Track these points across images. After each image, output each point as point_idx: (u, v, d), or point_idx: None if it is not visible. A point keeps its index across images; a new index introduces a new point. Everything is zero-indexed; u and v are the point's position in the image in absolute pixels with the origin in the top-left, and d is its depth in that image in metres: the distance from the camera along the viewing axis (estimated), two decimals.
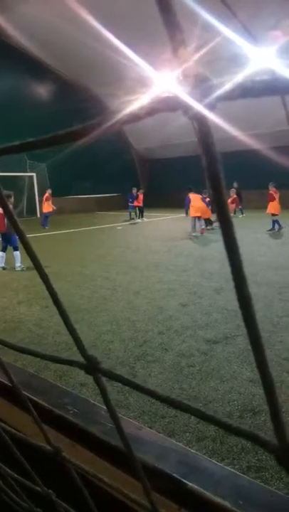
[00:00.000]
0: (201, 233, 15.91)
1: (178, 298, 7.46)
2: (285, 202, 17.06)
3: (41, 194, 22.88)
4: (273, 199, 15.91)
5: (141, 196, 22.82)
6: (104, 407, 0.87)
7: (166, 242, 14.32)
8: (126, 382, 0.34)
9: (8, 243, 10.46)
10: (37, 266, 0.34)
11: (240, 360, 4.84)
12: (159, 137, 28.82)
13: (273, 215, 15.92)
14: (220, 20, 15.56)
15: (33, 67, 26.60)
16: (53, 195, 21.38)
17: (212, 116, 0.22)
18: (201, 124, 0.22)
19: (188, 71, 0.23)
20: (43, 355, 0.42)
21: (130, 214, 24.00)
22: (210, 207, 17.90)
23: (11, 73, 25.65)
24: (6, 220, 9.93)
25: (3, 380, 0.98)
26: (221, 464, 0.73)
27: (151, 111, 0.25)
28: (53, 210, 20.56)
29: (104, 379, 0.37)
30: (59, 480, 0.64)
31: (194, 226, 16.08)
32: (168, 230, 18.01)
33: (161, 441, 0.78)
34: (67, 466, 0.53)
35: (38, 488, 0.58)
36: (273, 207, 15.89)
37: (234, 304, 6.03)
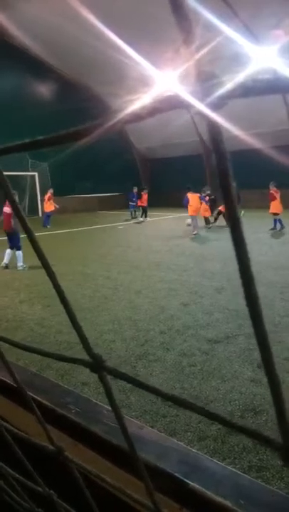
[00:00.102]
0: (195, 233, 16.07)
1: (179, 297, 7.46)
2: (286, 201, 17.06)
3: (43, 193, 22.91)
4: (274, 198, 15.94)
5: (145, 196, 22.81)
6: (107, 407, 0.87)
7: (167, 242, 14.32)
8: (131, 380, 0.34)
9: (11, 243, 10.49)
10: (44, 264, 0.34)
11: (241, 360, 4.84)
12: (160, 137, 28.80)
13: (275, 214, 15.93)
14: (221, 20, 15.54)
15: (35, 67, 26.60)
16: (54, 194, 21.47)
17: (216, 115, 0.22)
18: (211, 122, 0.22)
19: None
20: (49, 354, 0.42)
21: (131, 213, 23.99)
22: (209, 204, 18.02)
23: (12, 72, 25.66)
24: (13, 219, 10.00)
25: (5, 379, 0.98)
26: (223, 464, 0.73)
27: (154, 110, 0.24)
28: (56, 208, 20.62)
29: (108, 378, 0.37)
30: (61, 480, 0.64)
31: (196, 225, 16.19)
32: (169, 230, 18.02)
33: (163, 440, 0.78)
34: (69, 466, 0.53)
35: (40, 489, 0.58)
36: (275, 206, 15.91)
37: (235, 304, 6.06)
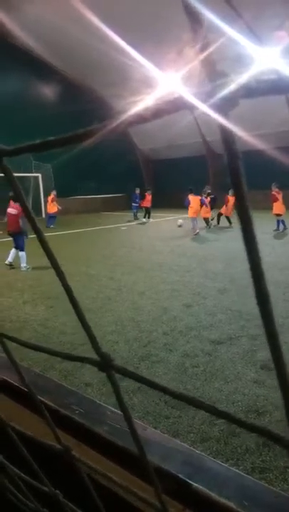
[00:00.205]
0: (196, 234, 16.27)
1: (182, 298, 7.46)
2: (288, 202, 17.05)
3: (47, 195, 23.00)
4: (276, 199, 15.96)
5: (149, 197, 22.82)
6: (110, 407, 0.87)
7: (169, 243, 14.33)
8: (139, 378, 0.34)
9: (15, 243, 10.53)
10: (54, 264, 0.34)
11: (244, 361, 4.83)
12: (163, 138, 28.82)
13: (278, 215, 15.93)
14: (225, 21, 15.55)
15: (38, 68, 26.68)
16: (58, 195, 21.59)
17: (227, 116, 0.23)
18: (223, 122, 0.22)
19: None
20: (57, 353, 0.42)
21: (134, 214, 24.00)
22: (208, 206, 18.18)
23: (16, 74, 25.73)
24: (21, 220, 10.07)
25: (7, 379, 0.99)
26: (226, 465, 0.73)
27: (158, 111, 0.25)
28: (59, 210, 20.74)
29: (117, 377, 0.37)
30: (66, 480, 0.64)
31: (194, 226, 16.45)
32: (172, 231, 18.02)
33: (166, 441, 0.78)
34: (75, 466, 0.53)
35: (46, 488, 0.58)
36: (277, 207, 15.90)
37: (238, 305, 6.05)
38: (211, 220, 18.49)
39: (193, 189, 16.97)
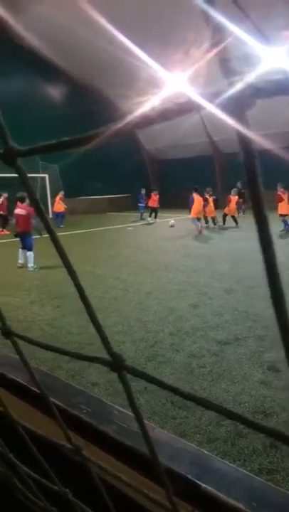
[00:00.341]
0: (200, 232, 16.52)
1: (188, 299, 7.45)
2: None
3: (54, 195, 23.09)
4: (281, 200, 15.91)
5: (156, 197, 22.78)
6: (118, 407, 0.87)
7: (176, 243, 14.31)
8: (150, 379, 0.35)
9: (22, 244, 10.59)
10: (66, 264, 0.35)
11: (251, 362, 4.81)
12: (169, 138, 28.76)
13: (282, 215, 15.87)
14: (232, 21, 15.52)
15: (45, 69, 26.72)
16: (65, 195, 21.74)
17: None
18: (239, 121, 0.22)
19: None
20: (68, 352, 0.42)
21: (141, 215, 23.99)
22: (213, 206, 18.36)
23: (22, 74, 25.83)
24: (34, 220, 10.18)
25: (16, 379, 0.99)
26: (234, 466, 0.73)
27: (165, 112, 0.25)
28: (65, 209, 20.95)
29: (128, 377, 0.37)
30: (76, 479, 0.64)
31: (197, 226, 16.76)
32: (178, 230, 18.00)
33: (174, 442, 0.78)
34: (84, 466, 0.53)
35: (55, 487, 0.58)
36: (283, 207, 15.85)
37: (245, 305, 6.03)
38: (222, 223, 18.65)
39: (198, 188, 17.17)
